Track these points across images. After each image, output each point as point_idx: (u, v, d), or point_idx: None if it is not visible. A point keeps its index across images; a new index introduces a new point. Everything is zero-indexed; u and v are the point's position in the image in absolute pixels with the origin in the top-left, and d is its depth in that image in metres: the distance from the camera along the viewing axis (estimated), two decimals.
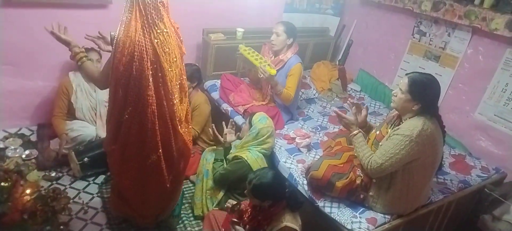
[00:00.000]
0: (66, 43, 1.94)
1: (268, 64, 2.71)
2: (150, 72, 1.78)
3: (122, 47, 1.72)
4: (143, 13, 1.71)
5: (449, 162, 2.69)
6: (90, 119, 2.78)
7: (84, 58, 1.93)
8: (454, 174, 2.56)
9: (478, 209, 2.49)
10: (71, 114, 2.74)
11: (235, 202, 2.04)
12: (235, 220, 1.97)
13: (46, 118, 2.86)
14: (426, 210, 2.20)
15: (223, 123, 2.55)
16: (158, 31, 1.76)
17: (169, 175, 2.07)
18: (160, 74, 1.82)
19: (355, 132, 2.11)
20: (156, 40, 1.76)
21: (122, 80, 1.78)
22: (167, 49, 1.81)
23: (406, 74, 1.96)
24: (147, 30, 1.74)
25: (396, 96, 1.96)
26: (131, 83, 1.78)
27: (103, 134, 2.79)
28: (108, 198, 2.41)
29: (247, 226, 1.95)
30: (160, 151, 1.95)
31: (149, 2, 1.71)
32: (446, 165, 2.62)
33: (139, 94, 1.81)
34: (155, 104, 1.84)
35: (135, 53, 1.73)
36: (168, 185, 2.08)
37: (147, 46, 1.74)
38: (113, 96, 1.87)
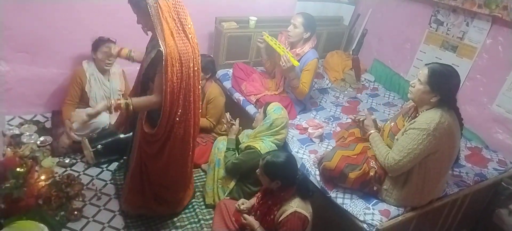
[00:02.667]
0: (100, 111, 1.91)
1: (290, 55, 2.66)
2: (192, 72, 1.89)
3: (170, 59, 1.77)
4: (172, 17, 1.76)
5: (465, 154, 2.64)
6: None
7: (127, 102, 1.85)
8: (470, 167, 2.51)
9: (494, 203, 2.44)
10: (84, 102, 2.76)
11: (246, 204, 2.04)
12: (245, 208, 1.97)
13: (60, 105, 2.88)
14: (441, 203, 2.16)
15: (227, 114, 2.58)
16: (188, 26, 1.83)
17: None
18: (196, 72, 1.93)
19: (371, 131, 2.10)
20: (190, 35, 1.83)
21: (175, 87, 1.84)
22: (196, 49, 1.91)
23: (426, 64, 1.91)
24: (181, 31, 1.80)
25: (414, 87, 1.91)
26: (182, 85, 1.87)
27: None
28: (125, 198, 2.29)
29: (258, 212, 1.95)
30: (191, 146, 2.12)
31: (170, 3, 1.75)
32: (462, 157, 2.57)
33: (185, 95, 1.91)
34: (194, 103, 1.97)
35: (182, 59, 1.81)
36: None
37: (187, 49, 1.82)
38: (165, 102, 1.86)
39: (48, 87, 2.92)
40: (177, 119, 1.92)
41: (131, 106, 1.84)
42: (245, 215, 1.93)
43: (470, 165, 2.54)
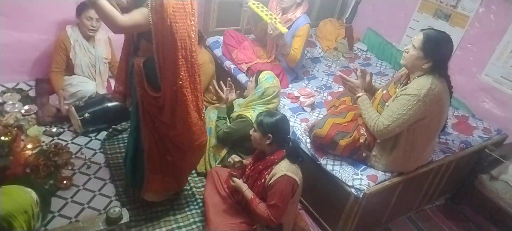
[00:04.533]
0: None
1: (279, 22, 2.60)
2: (191, 31, 1.70)
3: (161, 7, 1.57)
4: None
5: (452, 122, 2.69)
6: (90, 75, 2.72)
7: None
8: (457, 135, 2.57)
9: (477, 169, 2.52)
10: (70, 70, 2.68)
11: (238, 159, 2.04)
12: (234, 173, 1.98)
13: (44, 73, 2.79)
14: (427, 168, 2.22)
15: (221, 82, 2.51)
16: None
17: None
18: (193, 34, 1.73)
19: (359, 94, 2.09)
20: None
21: (168, 42, 1.64)
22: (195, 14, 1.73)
23: (421, 30, 1.90)
24: None
25: (407, 52, 1.90)
26: (177, 44, 1.66)
27: (102, 90, 2.76)
28: (147, 186, 2.04)
29: (249, 178, 1.97)
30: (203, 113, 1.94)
31: None
32: (449, 125, 2.62)
33: (187, 56, 1.71)
34: (196, 65, 1.79)
35: (176, 13, 1.61)
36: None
37: (184, 3, 1.64)
38: (161, 64, 1.69)
39: (30, 54, 2.80)
40: (181, 82, 1.74)
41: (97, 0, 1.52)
42: (234, 178, 1.94)
43: (457, 132, 2.60)
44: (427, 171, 2.24)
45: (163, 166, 2.02)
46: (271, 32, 2.56)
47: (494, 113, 2.82)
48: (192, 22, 1.71)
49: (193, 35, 1.73)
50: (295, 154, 1.88)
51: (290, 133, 2.04)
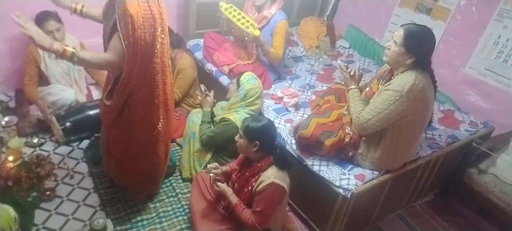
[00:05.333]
0: (40, 42, 1.57)
1: (251, 24, 2.59)
2: (159, 40, 1.72)
3: (129, 16, 1.58)
4: None
5: (438, 117, 2.69)
6: (66, 84, 2.66)
7: (74, 51, 1.61)
8: (443, 129, 2.57)
9: (465, 163, 2.52)
10: (45, 81, 2.61)
11: (217, 171, 1.97)
12: (218, 177, 1.94)
13: (24, 83, 2.73)
14: (414, 165, 2.21)
15: (202, 86, 2.50)
16: None
17: (165, 148, 2.08)
18: (164, 41, 1.76)
19: (351, 87, 2.09)
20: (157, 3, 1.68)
21: (130, 50, 1.67)
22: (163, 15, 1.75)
23: (402, 25, 1.88)
24: None
25: (389, 49, 1.89)
26: (139, 52, 1.68)
27: (82, 98, 2.71)
28: (107, 168, 2.22)
29: (235, 185, 1.94)
30: (161, 122, 1.93)
31: None
32: (435, 120, 2.62)
33: (147, 62, 1.73)
34: (161, 73, 1.79)
35: (145, 23, 1.63)
36: (162, 159, 2.10)
37: (153, 13, 1.65)
38: (127, 64, 1.71)
39: (7, 64, 2.73)
40: (134, 82, 1.74)
41: (76, 58, 1.60)
42: (218, 183, 1.91)
43: (443, 127, 2.60)
44: (415, 168, 2.22)
45: (119, 161, 2.06)
46: (246, 38, 2.56)
47: (479, 106, 2.82)
48: (159, 32, 1.73)
49: (161, 48, 1.76)
50: (283, 160, 1.85)
51: (277, 138, 2.01)
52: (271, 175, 1.78)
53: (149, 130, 1.92)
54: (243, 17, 2.63)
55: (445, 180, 2.65)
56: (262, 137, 1.82)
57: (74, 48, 1.61)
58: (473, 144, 2.46)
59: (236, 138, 1.90)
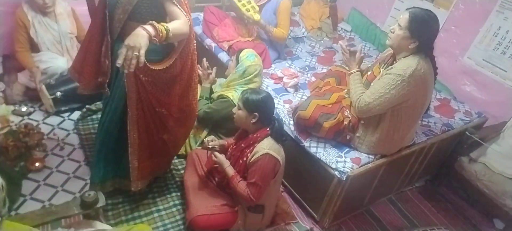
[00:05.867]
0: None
1: (252, 6, 2.55)
2: None
3: None
4: None
5: (434, 105, 2.70)
6: (57, 52, 2.56)
7: (165, 27, 1.46)
8: (438, 117, 2.58)
9: (457, 152, 2.55)
10: (36, 48, 2.50)
11: (214, 142, 1.94)
12: (216, 148, 1.92)
13: (11, 48, 2.60)
14: (409, 151, 2.23)
15: (205, 60, 2.43)
16: None
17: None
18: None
19: (353, 70, 2.07)
20: None
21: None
22: None
23: (407, 9, 1.85)
24: None
25: (393, 32, 1.86)
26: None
27: None
28: (136, 176, 1.88)
29: (231, 157, 1.92)
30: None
31: None
32: (432, 108, 2.63)
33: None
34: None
35: None
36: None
37: None
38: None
39: None
40: (195, 52, 1.72)
41: (171, 33, 1.47)
42: (216, 153, 1.88)
43: (439, 115, 2.61)
44: (409, 153, 2.24)
45: (154, 149, 1.89)
46: (247, 22, 2.53)
47: (475, 96, 2.84)
48: None
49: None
50: (280, 133, 1.84)
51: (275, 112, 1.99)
52: (265, 146, 1.76)
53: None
54: (245, 3, 2.59)
55: (437, 167, 2.69)
56: (262, 109, 1.80)
57: (163, 25, 1.46)
58: (467, 133, 2.49)
59: (234, 109, 1.88)
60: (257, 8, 2.58)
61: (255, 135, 1.82)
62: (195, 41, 1.78)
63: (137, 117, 1.72)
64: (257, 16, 2.53)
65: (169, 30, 1.46)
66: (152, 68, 1.60)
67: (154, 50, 1.56)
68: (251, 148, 1.81)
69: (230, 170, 1.84)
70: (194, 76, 1.87)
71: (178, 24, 1.54)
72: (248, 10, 2.54)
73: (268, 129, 1.81)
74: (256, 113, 1.79)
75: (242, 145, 1.86)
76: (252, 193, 1.76)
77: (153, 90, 1.68)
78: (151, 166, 1.94)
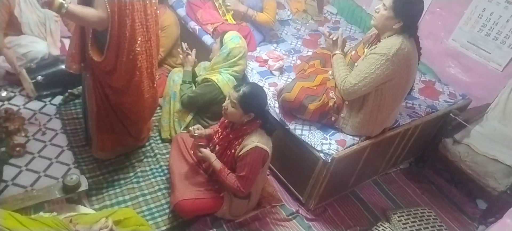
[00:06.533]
0: None
1: (228, 6, 2.62)
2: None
3: None
4: None
5: (419, 87, 2.72)
6: (39, 34, 2.49)
7: (62, 2, 1.51)
8: (423, 99, 2.60)
9: (441, 133, 2.58)
10: (16, 29, 2.43)
11: (200, 131, 1.93)
12: (201, 143, 1.90)
13: None
14: (393, 132, 2.24)
15: (186, 44, 2.42)
16: None
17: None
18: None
19: (336, 52, 2.06)
20: None
21: (126, 9, 1.64)
22: None
23: None
24: None
25: (378, 13, 1.86)
26: (135, 11, 1.67)
27: (55, 51, 2.56)
28: (97, 145, 2.09)
29: (217, 147, 1.91)
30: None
31: None
32: (416, 90, 2.65)
33: (141, 20, 1.72)
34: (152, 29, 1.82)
35: None
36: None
37: None
38: (117, 30, 1.67)
39: None
40: (138, 48, 1.73)
41: (64, 9, 1.51)
42: (202, 149, 1.87)
43: (423, 97, 2.63)
44: (393, 135, 2.26)
45: (114, 125, 2.01)
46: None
47: (459, 78, 2.87)
48: None
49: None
50: (269, 126, 1.84)
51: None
52: (255, 139, 1.76)
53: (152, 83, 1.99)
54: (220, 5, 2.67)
55: (421, 149, 2.73)
56: (259, 109, 1.79)
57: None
58: (451, 114, 2.52)
59: (226, 104, 1.81)
60: (232, 10, 2.67)
61: (244, 127, 1.81)
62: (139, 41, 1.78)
63: (93, 86, 1.89)
64: (232, 20, 2.58)
65: (65, 7, 1.52)
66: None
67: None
68: (240, 140, 1.80)
69: (217, 164, 1.83)
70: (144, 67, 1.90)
71: (85, 9, 1.62)
72: (220, 7, 2.61)
73: (258, 121, 1.80)
74: (252, 113, 1.78)
75: (230, 136, 1.85)
76: (242, 186, 1.77)
77: (99, 74, 1.86)
78: (112, 140, 2.08)
